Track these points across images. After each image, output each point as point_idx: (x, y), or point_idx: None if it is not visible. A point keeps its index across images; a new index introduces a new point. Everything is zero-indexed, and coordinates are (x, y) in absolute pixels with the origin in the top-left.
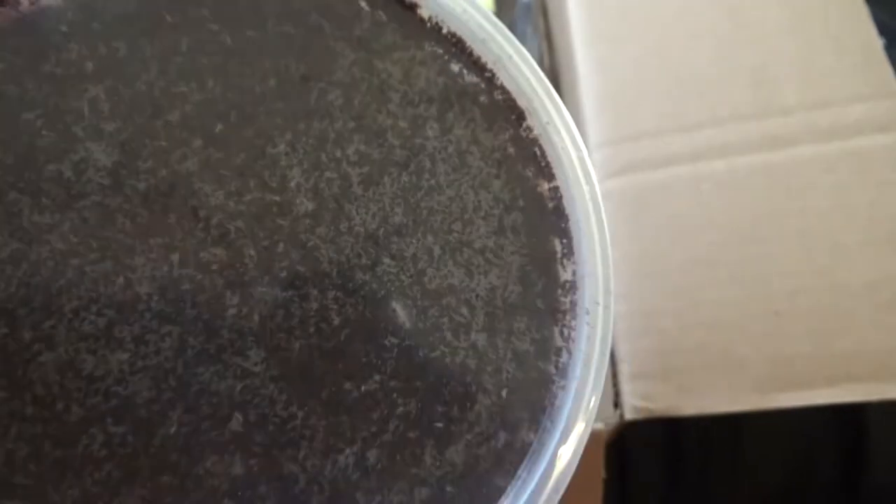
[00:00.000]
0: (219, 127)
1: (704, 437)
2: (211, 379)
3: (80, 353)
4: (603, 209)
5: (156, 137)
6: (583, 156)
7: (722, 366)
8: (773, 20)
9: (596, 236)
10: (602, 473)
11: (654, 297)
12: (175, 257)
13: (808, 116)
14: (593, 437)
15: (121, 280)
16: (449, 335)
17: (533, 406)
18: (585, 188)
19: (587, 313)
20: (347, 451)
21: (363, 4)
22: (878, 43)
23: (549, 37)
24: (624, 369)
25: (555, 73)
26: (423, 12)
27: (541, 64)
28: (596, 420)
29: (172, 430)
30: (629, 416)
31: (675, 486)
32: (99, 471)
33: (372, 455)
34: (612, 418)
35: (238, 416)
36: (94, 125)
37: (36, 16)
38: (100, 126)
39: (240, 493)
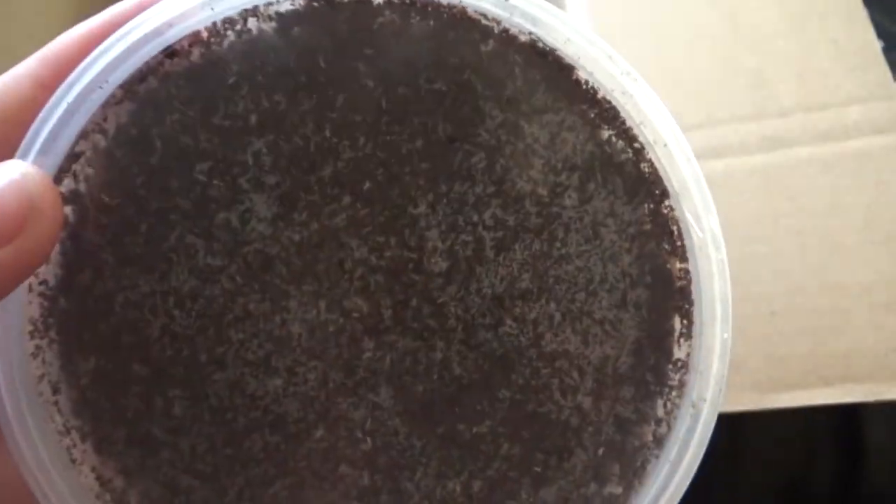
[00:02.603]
0: (367, 185)
1: None
2: (348, 408)
3: (244, 376)
4: (731, 311)
5: (310, 192)
6: (721, 251)
7: None
8: (772, 22)
9: (718, 334)
10: None
11: None
12: (322, 304)
13: (806, 118)
14: None
15: (277, 319)
16: (557, 395)
17: (625, 465)
18: (717, 283)
19: (692, 406)
20: (456, 479)
21: (517, 59)
22: (876, 45)
23: None
24: None
25: None
26: (581, 75)
27: None
28: None
29: (315, 444)
30: None
31: None
32: (258, 466)
33: (476, 485)
34: None
35: (368, 440)
36: (257, 178)
37: (206, 63)
38: (262, 179)
39: (366, 499)
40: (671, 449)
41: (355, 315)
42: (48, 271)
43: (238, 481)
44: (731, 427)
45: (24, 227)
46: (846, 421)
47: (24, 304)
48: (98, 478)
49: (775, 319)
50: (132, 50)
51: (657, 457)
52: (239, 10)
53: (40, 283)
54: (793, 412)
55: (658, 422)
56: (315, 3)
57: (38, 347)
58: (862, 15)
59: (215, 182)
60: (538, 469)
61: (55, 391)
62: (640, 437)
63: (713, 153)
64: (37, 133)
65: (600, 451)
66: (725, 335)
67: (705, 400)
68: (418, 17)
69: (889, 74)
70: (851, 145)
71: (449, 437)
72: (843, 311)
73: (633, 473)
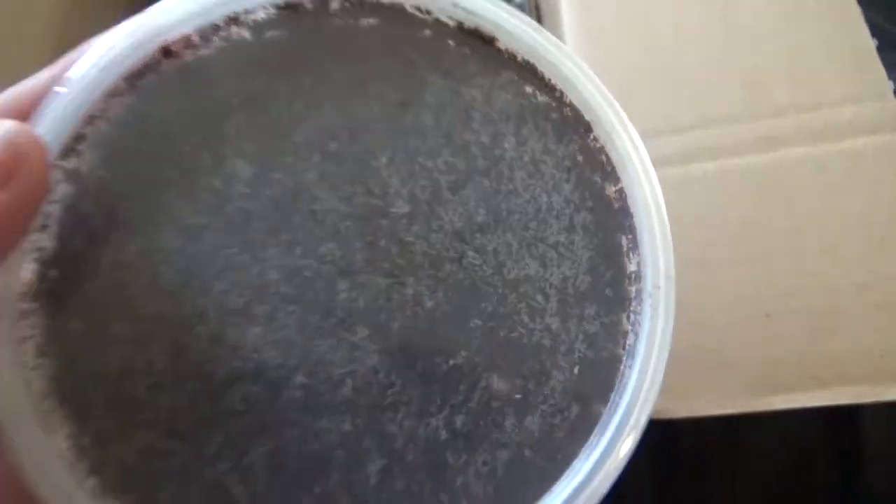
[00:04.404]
0: (333, 145)
1: (698, 441)
2: (326, 350)
3: (225, 327)
4: (664, 206)
5: (284, 154)
6: (644, 159)
7: (713, 368)
8: (765, 21)
9: (657, 230)
10: None
11: None
12: (298, 250)
13: (799, 118)
14: None
15: (256, 269)
16: (526, 318)
17: (603, 383)
18: (647, 187)
19: (650, 297)
20: (438, 415)
21: (450, 42)
22: (870, 44)
23: None
24: None
25: None
26: (501, 45)
27: None
28: None
29: (295, 390)
30: None
31: (669, 490)
32: (239, 422)
33: (459, 420)
34: None
35: (347, 381)
36: (238, 146)
37: (196, 63)
38: (242, 147)
39: (348, 446)
40: (641, 351)
41: (329, 259)
42: (44, 239)
43: (218, 441)
44: (726, 430)
45: (16, 171)
46: (843, 422)
47: (16, 268)
48: (75, 445)
49: (770, 321)
50: (135, 46)
51: (631, 367)
52: (224, 18)
53: (37, 249)
54: (788, 414)
55: (625, 334)
56: (283, 12)
57: (24, 312)
58: (856, 14)
59: (202, 152)
60: (519, 396)
61: (41, 354)
62: (612, 352)
63: (707, 154)
64: (44, 115)
65: (576, 370)
66: (665, 232)
67: (659, 287)
68: (366, 16)
69: (883, 74)
70: (845, 145)
71: (428, 372)
72: (838, 312)
73: (614, 389)
